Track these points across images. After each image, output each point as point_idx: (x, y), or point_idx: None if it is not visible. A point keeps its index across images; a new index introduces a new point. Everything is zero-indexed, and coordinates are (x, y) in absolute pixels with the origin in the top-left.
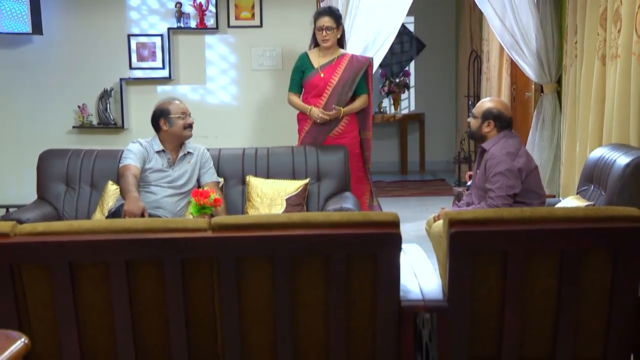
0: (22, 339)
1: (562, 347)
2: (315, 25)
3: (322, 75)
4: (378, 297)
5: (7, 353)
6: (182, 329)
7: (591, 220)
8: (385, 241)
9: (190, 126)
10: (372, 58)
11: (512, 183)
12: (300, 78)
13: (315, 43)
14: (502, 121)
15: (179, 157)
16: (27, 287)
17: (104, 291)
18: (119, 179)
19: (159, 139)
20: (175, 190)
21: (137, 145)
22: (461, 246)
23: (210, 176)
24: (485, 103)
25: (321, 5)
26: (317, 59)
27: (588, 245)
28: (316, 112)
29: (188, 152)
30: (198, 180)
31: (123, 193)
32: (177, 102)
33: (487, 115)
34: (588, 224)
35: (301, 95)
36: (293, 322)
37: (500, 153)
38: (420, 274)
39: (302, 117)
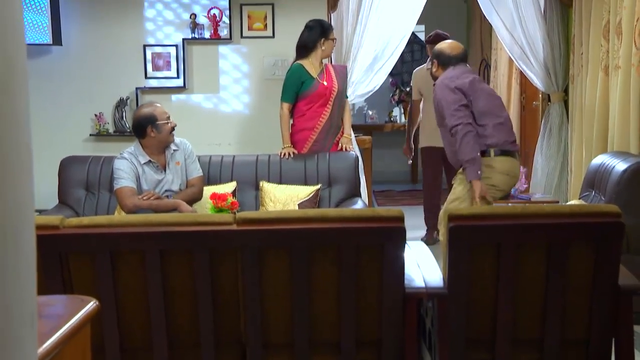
0: (94, 302)
1: (551, 330)
2: (327, 37)
3: (325, 83)
4: (385, 284)
5: (83, 311)
6: (209, 312)
7: (575, 216)
8: (391, 234)
9: (174, 129)
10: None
11: (454, 98)
12: (298, 89)
13: (306, 53)
14: (442, 59)
15: (167, 159)
16: (73, 273)
17: (140, 277)
18: (120, 200)
19: (142, 147)
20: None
21: (126, 163)
22: (459, 239)
23: (193, 171)
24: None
25: (332, 17)
26: (312, 69)
27: (573, 238)
28: (287, 152)
29: (173, 150)
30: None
31: (163, 207)
32: (158, 105)
33: (432, 58)
34: (573, 219)
35: (294, 105)
36: (308, 306)
37: (440, 82)
38: (424, 266)
39: (306, 126)
